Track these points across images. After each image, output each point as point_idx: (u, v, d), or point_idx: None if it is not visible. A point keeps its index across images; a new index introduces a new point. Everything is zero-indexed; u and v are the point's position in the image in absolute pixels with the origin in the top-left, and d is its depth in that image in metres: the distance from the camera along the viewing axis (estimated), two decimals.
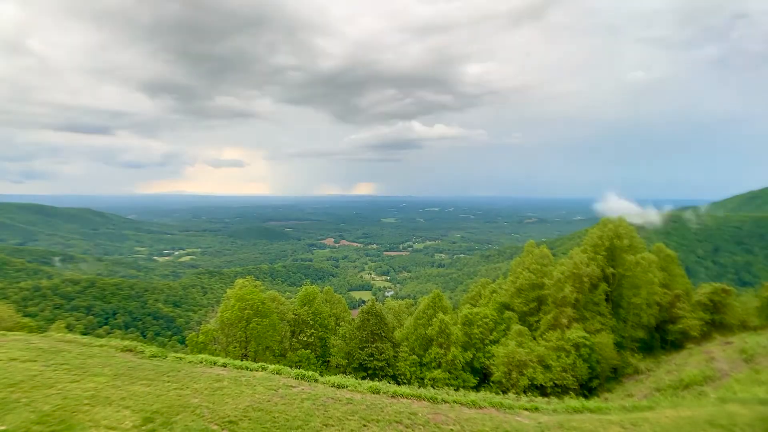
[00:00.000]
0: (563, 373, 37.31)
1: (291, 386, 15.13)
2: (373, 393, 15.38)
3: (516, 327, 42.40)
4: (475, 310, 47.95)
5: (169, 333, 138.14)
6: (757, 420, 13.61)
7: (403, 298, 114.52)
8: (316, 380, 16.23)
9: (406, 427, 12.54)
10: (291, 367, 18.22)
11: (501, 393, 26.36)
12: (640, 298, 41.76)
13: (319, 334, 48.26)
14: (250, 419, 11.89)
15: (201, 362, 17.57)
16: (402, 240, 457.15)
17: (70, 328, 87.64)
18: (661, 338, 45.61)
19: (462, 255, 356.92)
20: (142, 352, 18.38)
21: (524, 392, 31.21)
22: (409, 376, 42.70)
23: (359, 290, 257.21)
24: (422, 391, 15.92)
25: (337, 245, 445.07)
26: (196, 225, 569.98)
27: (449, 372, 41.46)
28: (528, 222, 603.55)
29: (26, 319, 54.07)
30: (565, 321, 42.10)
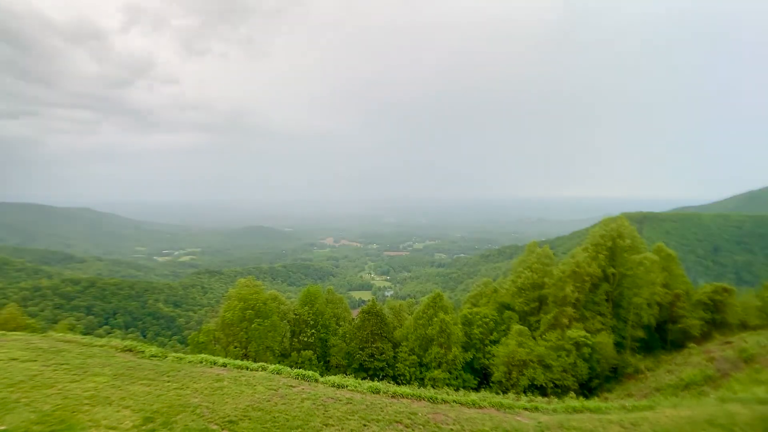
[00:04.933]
0: (563, 373, 37.31)
1: (291, 386, 15.14)
2: (373, 393, 15.38)
3: (516, 327, 42.37)
4: (475, 309, 47.91)
5: (169, 333, 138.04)
6: (757, 420, 13.61)
7: (403, 298, 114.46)
8: (316, 380, 16.23)
9: (406, 427, 12.54)
10: (292, 367, 18.23)
11: (501, 393, 26.36)
12: (641, 297, 41.73)
13: (320, 334, 48.21)
14: (250, 419, 11.89)
15: (201, 362, 17.57)
16: (402, 240, 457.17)
17: (70, 328, 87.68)
18: (662, 338, 45.60)
19: (462, 255, 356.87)
20: (142, 352, 18.37)
21: (524, 392, 31.22)
22: (408, 376, 42.66)
23: (359, 290, 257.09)
24: (422, 391, 15.92)
25: (337, 245, 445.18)
26: (196, 225, 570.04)
27: (449, 372, 41.45)
28: (528, 221, 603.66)
29: (31, 320, 54.14)
30: (565, 321, 42.10)
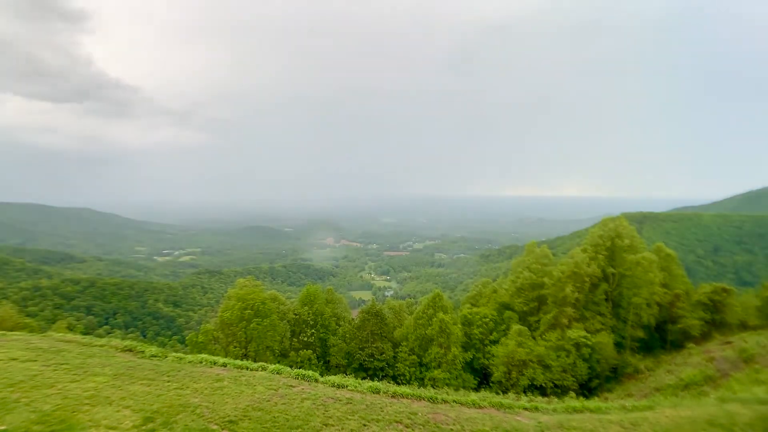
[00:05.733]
0: (563, 373, 37.32)
1: (291, 386, 15.14)
2: (373, 393, 15.39)
3: (516, 327, 42.40)
4: (475, 310, 47.91)
5: (169, 333, 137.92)
6: (757, 420, 13.61)
7: (403, 298, 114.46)
8: (316, 380, 16.23)
9: (406, 427, 12.54)
10: (292, 367, 18.24)
11: (501, 393, 26.35)
12: (640, 297, 41.76)
13: (320, 334, 48.22)
14: (250, 419, 11.89)
15: (201, 362, 17.58)
16: (402, 240, 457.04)
17: (70, 328, 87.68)
18: (661, 338, 45.61)
19: (462, 255, 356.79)
20: (142, 352, 18.38)
21: (524, 392, 31.22)
22: (408, 376, 42.67)
23: (359, 290, 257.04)
24: (422, 390, 15.93)
25: (337, 245, 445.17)
26: (196, 225, 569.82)
27: (449, 372, 41.45)
28: (528, 221, 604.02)
29: (28, 320, 54.10)
30: (565, 321, 42.11)
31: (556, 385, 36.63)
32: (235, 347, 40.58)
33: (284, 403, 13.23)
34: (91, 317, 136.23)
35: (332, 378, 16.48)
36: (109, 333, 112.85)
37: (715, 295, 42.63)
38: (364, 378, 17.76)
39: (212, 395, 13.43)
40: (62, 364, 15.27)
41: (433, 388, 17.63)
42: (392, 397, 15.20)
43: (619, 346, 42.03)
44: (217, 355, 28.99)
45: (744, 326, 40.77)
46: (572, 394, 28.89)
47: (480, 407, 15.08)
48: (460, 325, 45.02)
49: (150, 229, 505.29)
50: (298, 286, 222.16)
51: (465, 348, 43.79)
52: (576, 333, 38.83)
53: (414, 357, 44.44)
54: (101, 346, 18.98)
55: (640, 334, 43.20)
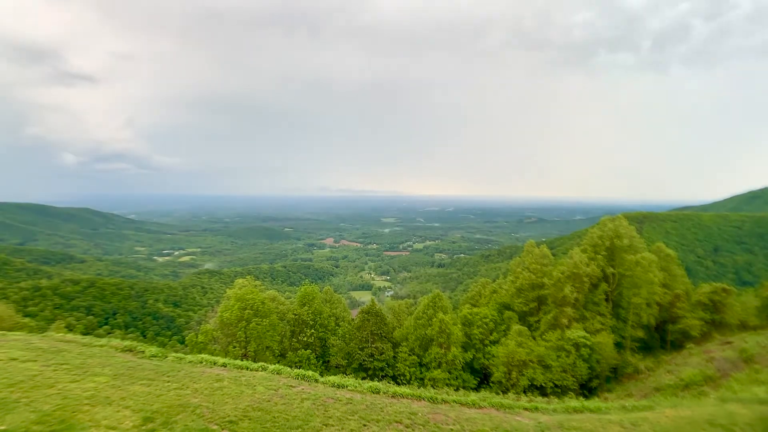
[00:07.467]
0: (563, 374, 37.30)
1: (291, 386, 15.15)
2: (373, 393, 15.40)
3: (516, 327, 42.37)
4: (475, 310, 47.88)
5: (169, 333, 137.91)
6: (757, 420, 13.62)
7: (403, 298, 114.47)
8: (316, 380, 16.24)
9: (406, 427, 12.55)
10: (291, 367, 18.23)
11: (501, 393, 26.35)
12: (640, 297, 41.73)
13: (319, 334, 48.21)
14: (250, 419, 11.90)
15: (201, 362, 17.58)
16: (402, 240, 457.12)
17: (70, 328, 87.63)
18: (661, 338, 45.62)
19: (462, 255, 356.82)
20: (142, 352, 18.39)
21: (524, 392, 31.21)
22: (408, 376, 42.66)
23: (359, 290, 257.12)
24: (422, 391, 15.95)
25: (337, 245, 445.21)
26: (196, 225, 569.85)
27: (449, 372, 41.43)
28: (528, 222, 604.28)
29: (26, 319, 54.06)
30: (565, 321, 42.08)
31: (556, 385, 36.60)
32: (234, 347, 40.55)
33: (284, 404, 13.23)
34: (91, 317, 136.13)
35: (332, 378, 16.50)
36: (109, 333, 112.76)
37: (715, 295, 42.63)
38: (364, 378, 17.77)
39: (212, 395, 13.43)
40: (62, 364, 15.27)
41: (433, 388, 17.66)
42: (392, 397, 15.22)
43: (619, 346, 42.02)
44: (217, 355, 28.97)
45: (744, 326, 40.78)
46: (572, 394, 28.90)
47: (480, 407, 15.09)
48: (460, 326, 45.00)
49: (150, 229, 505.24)
50: (298, 286, 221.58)
51: (465, 348, 43.76)
52: (576, 333, 38.80)
53: (414, 357, 44.42)
54: (101, 346, 18.98)
55: (640, 334, 43.17)
